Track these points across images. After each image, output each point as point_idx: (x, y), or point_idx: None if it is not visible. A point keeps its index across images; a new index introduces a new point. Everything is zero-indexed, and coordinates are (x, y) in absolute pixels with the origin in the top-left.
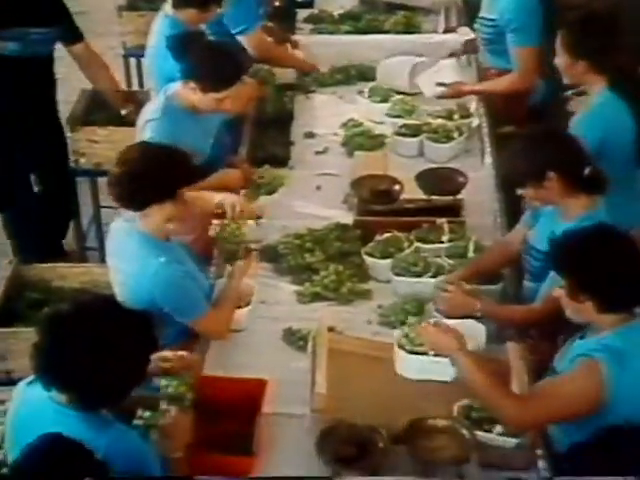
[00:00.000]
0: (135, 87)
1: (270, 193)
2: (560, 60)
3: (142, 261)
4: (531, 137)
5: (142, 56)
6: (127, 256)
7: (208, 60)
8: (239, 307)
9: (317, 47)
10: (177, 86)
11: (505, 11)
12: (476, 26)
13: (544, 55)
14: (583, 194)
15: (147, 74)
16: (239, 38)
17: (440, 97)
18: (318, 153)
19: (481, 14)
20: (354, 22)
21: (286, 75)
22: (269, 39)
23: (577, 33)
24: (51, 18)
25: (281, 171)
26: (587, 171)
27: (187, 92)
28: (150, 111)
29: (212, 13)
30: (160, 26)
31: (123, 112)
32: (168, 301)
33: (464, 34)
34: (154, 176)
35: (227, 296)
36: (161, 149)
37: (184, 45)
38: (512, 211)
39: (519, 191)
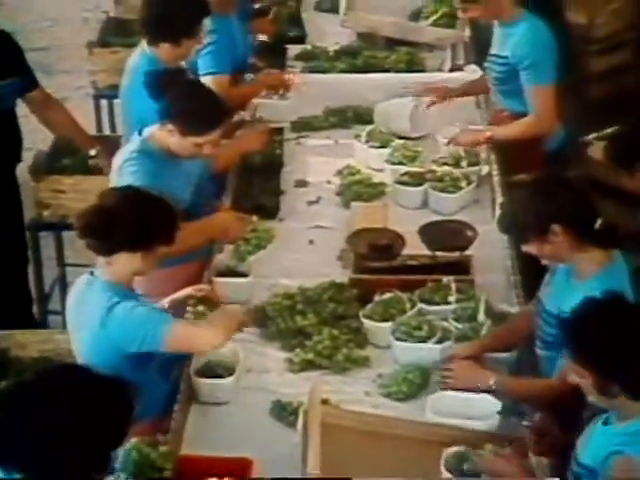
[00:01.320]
0: (107, 131)
1: (258, 249)
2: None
3: (98, 308)
4: (533, 185)
5: (115, 97)
6: (85, 308)
7: (188, 100)
8: (221, 376)
9: (310, 87)
10: (154, 128)
11: (517, 47)
12: (486, 64)
13: (561, 95)
14: (595, 248)
15: (121, 116)
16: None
17: (451, 144)
18: (311, 203)
19: (492, 51)
20: (351, 59)
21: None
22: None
23: None
24: (11, 69)
25: (269, 224)
26: (598, 224)
27: (164, 134)
28: (125, 153)
29: (187, 49)
30: (136, 63)
31: (92, 152)
32: (128, 334)
33: (472, 72)
34: (132, 219)
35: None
36: (146, 194)
37: (162, 82)
38: (527, 268)
39: (523, 247)
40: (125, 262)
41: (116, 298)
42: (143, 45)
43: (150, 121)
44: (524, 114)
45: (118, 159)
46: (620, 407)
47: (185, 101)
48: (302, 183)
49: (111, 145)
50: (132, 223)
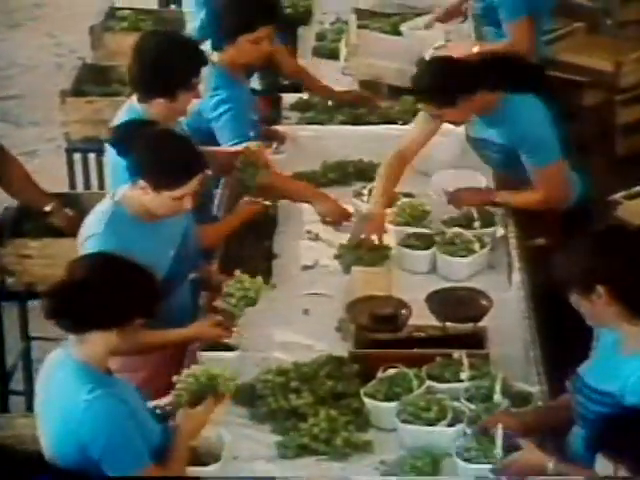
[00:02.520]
0: (80, 188)
1: (246, 305)
2: None
3: (71, 396)
4: (590, 233)
5: (89, 150)
6: (54, 391)
7: (156, 151)
8: (204, 464)
9: (307, 140)
10: (125, 188)
11: (512, 132)
12: (481, 151)
13: (567, 164)
14: None
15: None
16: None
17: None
18: (306, 268)
19: (482, 135)
20: (352, 109)
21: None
22: None
23: None
24: None
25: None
26: None
27: (137, 193)
28: (95, 218)
29: (183, 103)
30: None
31: (47, 208)
32: (97, 444)
33: None
34: (105, 292)
35: (175, 453)
36: (120, 262)
37: (128, 135)
38: (550, 342)
39: (570, 298)
40: (100, 340)
41: (97, 390)
42: (132, 101)
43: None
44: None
45: (85, 229)
46: None
47: (153, 152)
48: (297, 245)
49: (70, 202)
50: (105, 296)
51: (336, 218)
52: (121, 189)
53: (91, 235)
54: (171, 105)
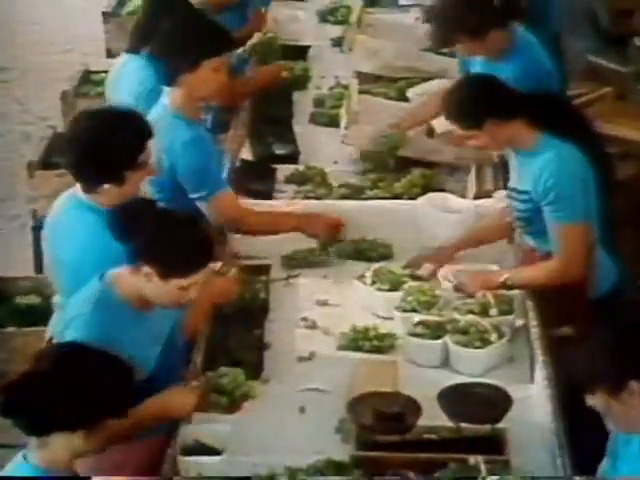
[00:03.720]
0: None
1: (231, 408)
2: None
3: None
4: (621, 324)
5: None
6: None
7: (169, 234)
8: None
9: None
10: (122, 271)
11: (539, 179)
12: (507, 200)
13: (592, 234)
14: None
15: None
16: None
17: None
18: (302, 360)
19: (511, 184)
20: (353, 183)
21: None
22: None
23: None
24: None
25: (250, 384)
26: None
27: (138, 280)
28: (76, 304)
29: (134, 185)
30: (73, 222)
31: None
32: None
33: (501, 200)
34: (70, 388)
35: None
36: (92, 353)
37: (130, 218)
38: (579, 446)
39: (588, 400)
40: (64, 443)
41: None
42: (76, 192)
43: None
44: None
45: (71, 305)
46: None
47: (165, 235)
48: (291, 335)
49: (35, 288)
50: (70, 393)
51: (332, 234)
52: (114, 272)
53: (76, 316)
54: (121, 190)
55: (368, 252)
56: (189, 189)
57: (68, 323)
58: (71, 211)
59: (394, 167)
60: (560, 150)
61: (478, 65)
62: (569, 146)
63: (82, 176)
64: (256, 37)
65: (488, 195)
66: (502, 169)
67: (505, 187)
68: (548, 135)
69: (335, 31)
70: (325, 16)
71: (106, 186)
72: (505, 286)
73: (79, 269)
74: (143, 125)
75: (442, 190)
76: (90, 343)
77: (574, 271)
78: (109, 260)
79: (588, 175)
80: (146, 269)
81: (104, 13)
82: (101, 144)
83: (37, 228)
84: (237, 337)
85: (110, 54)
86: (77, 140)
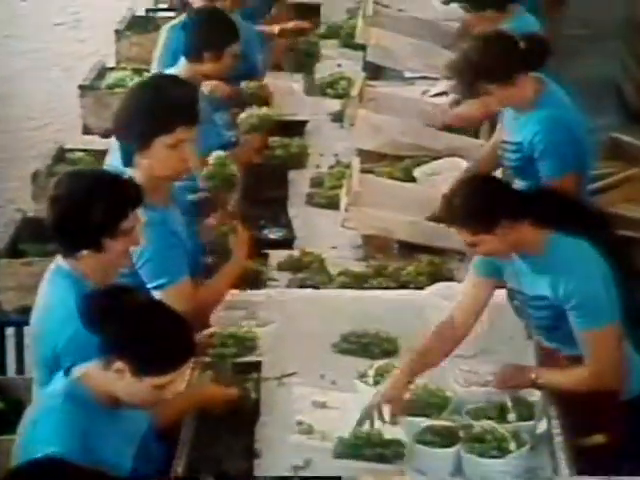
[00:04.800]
0: (11, 371)
1: None
2: None
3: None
4: None
5: (25, 323)
6: None
7: (146, 327)
8: None
9: (298, 306)
10: (90, 366)
11: (557, 286)
12: (515, 302)
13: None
14: None
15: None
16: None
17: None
18: (297, 469)
19: (524, 290)
20: (355, 271)
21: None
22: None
23: None
24: None
25: None
26: None
27: (105, 376)
28: (42, 402)
29: (115, 251)
30: (54, 291)
31: None
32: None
33: None
34: None
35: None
36: (65, 467)
37: (104, 306)
38: None
39: None
40: None
41: None
42: (58, 261)
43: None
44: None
45: (34, 408)
46: None
47: (141, 328)
48: (285, 441)
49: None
50: None
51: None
52: (82, 367)
53: (44, 415)
54: (100, 257)
55: (370, 347)
56: (145, 278)
57: (35, 422)
58: (51, 277)
59: (399, 253)
60: (575, 250)
61: (507, 117)
62: (583, 244)
63: (60, 239)
64: (247, 111)
65: (503, 284)
66: None
67: None
68: (558, 235)
69: (335, 105)
70: (324, 89)
71: (84, 252)
72: (534, 386)
73: (53, 344)
74: (130, 191)
75: (452, 279)
76: (59, 445)
77: (608, 378)
78: (85, 336)
79: (607, 271)
80: (118, 364)
81: (81, 86)
82: (79, 205)
83: (1, 323)
84: (224, 443)
85: (87, 130)
86: (57, 199)
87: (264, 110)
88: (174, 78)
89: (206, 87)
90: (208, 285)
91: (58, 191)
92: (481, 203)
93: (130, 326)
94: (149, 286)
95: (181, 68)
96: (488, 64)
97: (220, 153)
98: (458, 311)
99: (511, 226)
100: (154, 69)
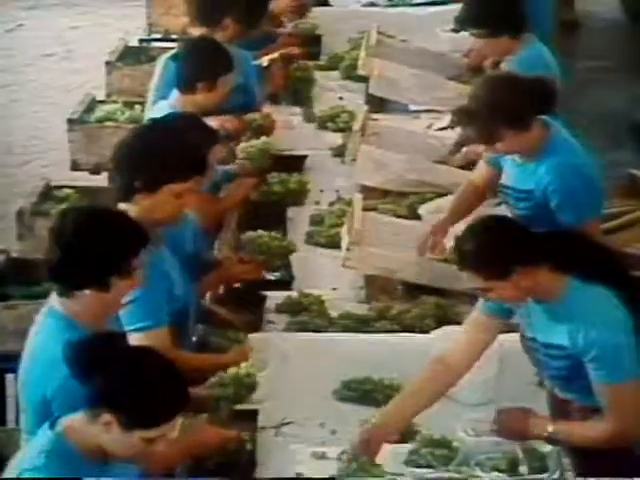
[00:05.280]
0: (11, 423)
1: None
2: None
3: None
4: None
5: (8, 370)
6: None
7: (136, 379)
8: None
9: (297, 353)
10: (72, 419)
11: (576, 335)
12: (528, 344)
13: None
14: None
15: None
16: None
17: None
18: None
19: (538, 337)
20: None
21: None
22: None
23: None
24: None
25: None
26: None
27: (91, 429)
28: (25, 459)
29: (120, 291)
30: (46, 331)
31: None
32: None
33: None
34: None
35: None
36: None
37: (93, 355)
38: None
39: None
40: None
41: None
42: (50, 302)
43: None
44: (598, 409)
45: (18, 461)
46: None
47: (132, 380)
48: None
49: None
50: None
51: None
52: (67, 419)
53: (28, 469)
54: (103, 297)
55: (373, 395)
56: (125, 318)
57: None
58: (43, 320)
59: (403, 295)
60: (596, 299)
61: (509, 163)
62: (604, 291)
63: (63, 276)
64: (245, 142)
65: (514, 329)
66: None
67: None
68: (578, 281)
69: (336, 139)
70: (324, 122)
71: (87, 291)
72: (549, 441)
73: (42, 390)
74: (141, 229)
75: (459, 323)
76: None
77: (631, 434)
78: (75, 383)
79: (628, 321)
80: (106, 417)
81: (69, 120)
82: (92, 240)
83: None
84: None
85: (75, 166)
86: (63, 233)
87: (263, 140)
88: (195, 120)
89: (215, 122)
90: (190, 357)
91: (65, 225)
92: (495, 249)
93: (119, 377)
94: (128, 328)
95: (174, 100)
96: (509, 109)
97: None
98: (455, 352)
99: (527, 272)
100: (150, 100)
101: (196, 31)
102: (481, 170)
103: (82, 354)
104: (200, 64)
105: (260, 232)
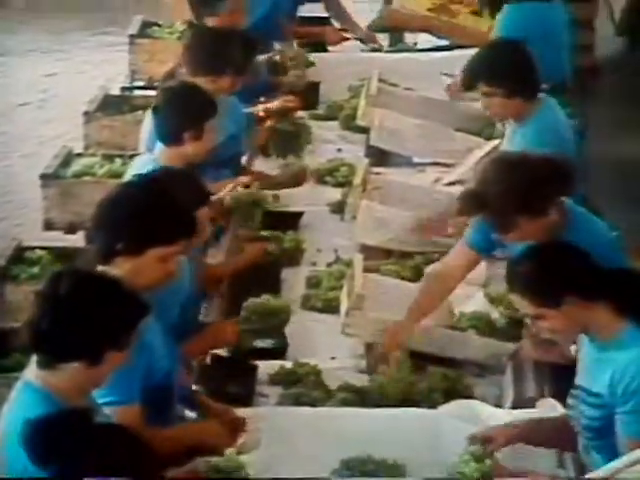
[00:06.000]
0: None
1: None
2: None
3: None
4: None
5: None
6: None
7: (104, 455)
8: None
9: (292, 426)
10: None
11: (619, 382)
12: (572, 412)
13: None
14: None
15: None
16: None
17: None
18: None
19: (579, 382)
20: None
21: None
22: None
23: None
24: None
25: None
26: None
27: None
28: None
29: (111, 365)
30: (19, 405)
31: None
32: None
33: (549, 411)
34: None
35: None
36: None
37: (56, 433)
38: None
39: None
40: None
41: None
42: (26, 376)
43: None
44: None
45: None
46: None
47: (97, 460)
48: None
49: None
50: None
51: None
52: None
53: None
54: (92, 371)
55: (375, 475)
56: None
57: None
58: (16, 396)
59: (409, 365)
60: None
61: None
62: None
63: (47, 346)
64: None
65: (530, 404)
66: (548, 368)
67: (553, 393)
68: (635, 325)
69: (334, 195)
70: (322, 176)
71: (75, 364)
72: None
73: (19, 469)
74: (140, 300)
75: (469, 397)
76: None
77: None
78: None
79: None
80: None
81: (43, 175)
82: (90, 310)
83: None
84: None
85: (49, 225)
86: (57, 300)
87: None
88: (184, 177)
89: (228, 195)
90: (167, 434)
91: (59, 289)
92: (547, 273)
93: (82, 461)
94: (100, 400)
95: (160, 154)
96: (523, 195)
97: None
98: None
99: (581, 304)
100: (141, 152)
101: (199, 81)
102: (458, 254)
103: (39, 435)
104: (184, 112)
105: (265, 297)
